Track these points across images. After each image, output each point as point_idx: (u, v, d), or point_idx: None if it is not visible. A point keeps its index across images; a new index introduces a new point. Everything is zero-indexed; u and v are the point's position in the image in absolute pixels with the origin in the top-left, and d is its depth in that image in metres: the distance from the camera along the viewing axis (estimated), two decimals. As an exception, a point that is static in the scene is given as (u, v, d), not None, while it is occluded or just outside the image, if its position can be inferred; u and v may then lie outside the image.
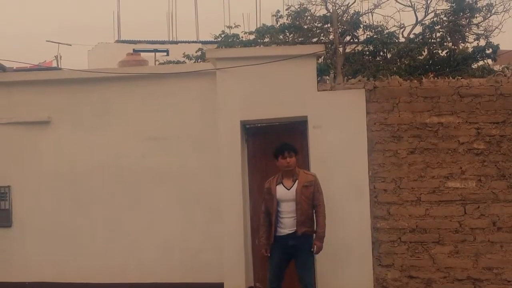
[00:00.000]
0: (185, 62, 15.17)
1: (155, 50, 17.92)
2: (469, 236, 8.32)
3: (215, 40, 16.88)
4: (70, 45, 16.06)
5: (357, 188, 8.53)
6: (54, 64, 14.70)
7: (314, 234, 7.64)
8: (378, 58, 14.33)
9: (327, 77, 9.02)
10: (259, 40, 15.34)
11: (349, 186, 8.54)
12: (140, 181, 9.57)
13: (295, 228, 7.53)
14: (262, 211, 7.80)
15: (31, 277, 9.81)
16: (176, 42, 22.97)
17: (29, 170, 9.95)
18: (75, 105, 9.89)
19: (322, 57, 12.55)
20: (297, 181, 7.65)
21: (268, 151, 8.88)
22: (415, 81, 8.69)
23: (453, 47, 13.91)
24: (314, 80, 8.81)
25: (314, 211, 7.65)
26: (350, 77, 9.89)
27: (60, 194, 9.83)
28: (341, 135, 8.62)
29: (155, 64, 15.02)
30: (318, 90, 8.76)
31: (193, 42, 21.56)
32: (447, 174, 8.40)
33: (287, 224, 7.58)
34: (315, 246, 7.58)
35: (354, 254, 8.49)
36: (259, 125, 9.20)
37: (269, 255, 7.65)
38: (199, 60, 14.90)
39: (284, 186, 7.66)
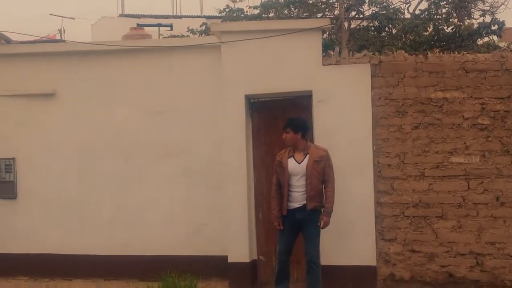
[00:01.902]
0: (189, 37, 15.12)
1: (159, 25, 17.91)
2: (472, 211, 8.34)
3: (220, 14, 16.84)
4: (74, 18, 16.03)
5: (361, 163, 8.54)
6: (58, 38, 14.65)
7: (322, 209, 7.73)
8: (383, 34, 14.34)
9: (332, 52, 8.97)
10: (264, 15, 15.31)
11: (353, 161, 8.54)
12: (145, 155, 9.58)
13: (304, 202, 7.63)
14: (274, 183, 7.89)
15: (36, 248, 9.85)
16: (180, 17, 22.89)
17: (34, 142, 9.97)
18: (80, 78, 9.87)
19: (327, 33, 12.56)
20: (308, 155, 7.72)
21: (272, 126, 8.94)
22: (421, 56, 8.66)
23: (458, 23, 13.88)
24: (319, 54, 8.79)
25: (324, 186, 7.73)
26: (355, 52, 9.84)
27: (64, 167, 9.85)
28: (345, 110, 8.61)
29: (159, 38, 14.98)
30: (323, 65, 8.74)
31: (197, 16, 21.48)
32: (451, 149, 8.41)
33: (296, 198, 7.69)
34: (322, 221, 7.67)
35: (357, 228, 8.52)
36: (263, 99, 9.18)
37: (281, 227, 7.75)
38: (203, 35, 14.88)
39: (295, 160, 7.74)
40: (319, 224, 7.66)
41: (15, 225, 9.98)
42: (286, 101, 9.10)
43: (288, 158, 7.77)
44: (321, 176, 7.68)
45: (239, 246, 8.80)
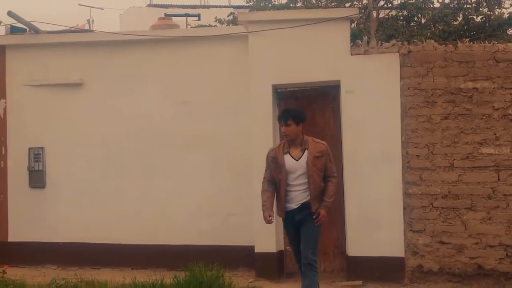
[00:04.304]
0: (217, 27, 15.10)
1: (187, 15, 17.81)
2: (502, 203, 8.23)
3: (247, 4, 16.79)
4: (102, 9, 16.10)
5: (390, 153, 8.46)
6: (87, 28, 14.71)
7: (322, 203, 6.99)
8: (412, 24, 14.18)
9: (361, 41, 8.89)
10: (291, 5, 15.23)
11: (382, 152, 8.47)
12: (171, 145, 9.62)
13: (302, 202, 6.90)
14: (266, 179, 7.10)
15: (64, 237, 9.97)
16: (208, 7, 22.86)
17: (62, 132, 10.07)
18: (108, 67, 9.93)
19: (355, 22, 12.45)
20: (306, 151, 6.93)
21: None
22: (450, 45, 8.56)
23: (488, 12, 13.69)
24: (348, 44, 8.72)
25: (325, 182, 6.99)
26: (383, 42, 9.76)
27: (92, 156, 9.94)
28: (374, 100, 8.53)
29: (186, 28, 14.96)
30: (351, 54, 8.68)
31: (224, 6, 21.45)
32: (481, 140, 8.30)
33: (294, 198, 6.94)
34: (319, 214, 6.86)
35: (385, 219, 8.45)
36: (290, 89, 9.13)
37: (273, 220, 7.01)
38: (231, 25, 14.84)
39: (292, 157, 6.94)
40: (314, 217, 6.85)
41: (44, 214, 10.09)
42: (314, 91, 9.06)
43: (284, 154, 6.97)
44: (322, 172, 6.92)
45: (266, 236, 8.77)
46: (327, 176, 6.97)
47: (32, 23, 10.39)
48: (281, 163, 6.92)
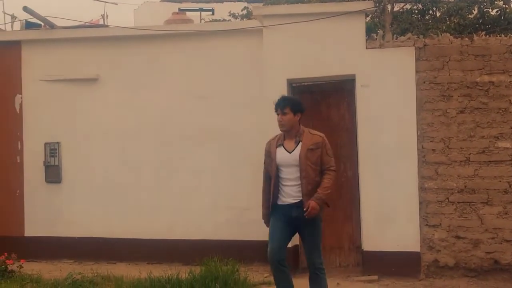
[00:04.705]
0: (231, 21, 15.08)
1: (201, 9, 17.83)
2: (519, 197, 8.21)
3: (261, -2, 16.73)
4: (116, 4, 16.03)
5: (405, 148, 8.44)
6: (101, 23, 14.71)
7: (326, 206, 6.64)
8: (427, 17, 14.07)
9: (375, 35, 8.86)
10: (305, -2, 15.15)
11: (397, 146, 8.45)
12: (187, 139, 9.61)
13: (300, 198, 6.46)
14: (264, 176, 6.85)
15: (80, 232, 10.01)
16: (222, 1, 22.76)
17: (78, 127, 10.09)
18: (123, 62, 9.95)
19: (370, 16, 12.38)
20: (300, 143, 6.54)
21: (314, 110, 8.88)
22: (466, 39, 8.51)
23: (504, 6, 13.55)
24: (363, 37, 8.69)
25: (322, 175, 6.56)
26: (398, 36, 9.70)
27: (108, 151, 9.97)
28: (389, 94, 8.51)
29: (200, 23, 14.96)
30: (366, 48, 8.65)
31: (238, 1, 21.33)
32: (497, 134, 8.27)
33: (290, 193, 6.52)
34: (309, 205, 6.35)
35: (401, 214, 8.44)
36: (305, 83, 9.12)
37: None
38: (245, 19, 14.81)
39: (285, 149, 6.58)
40: (304, 209, 6.39)
41: (60, 208, 10.13)
42: (329, 85, 9.04)
43: (276, 147, 6.62)
44: (318, 166, 6.48)
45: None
46: (324, 170, 6.53)
47: (46, 18, 10.41)
48: (272, 156, 6.61)
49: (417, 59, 8.48)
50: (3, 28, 12.06)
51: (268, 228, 6.73)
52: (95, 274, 8.43)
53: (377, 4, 13.33)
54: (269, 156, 6.69)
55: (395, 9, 13.97)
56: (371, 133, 8.49)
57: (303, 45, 8.80)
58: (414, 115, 8.43)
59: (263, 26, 9.02)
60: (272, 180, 6.60)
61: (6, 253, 8.62)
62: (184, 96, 9.66)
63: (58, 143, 10.12)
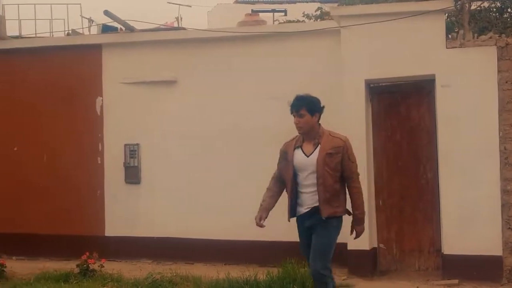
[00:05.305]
0: (305, 22, 15.05)
1: (273, 10, 17.90)
2: None
3: (335, -2, 16.67)
4: (190, 6, 16.20)
5: (487, 149, 8.25)
6: (176, 25, 14.90)
7: (347, 215, 6.19)
8: (505, 15, 13.75)
9: (455, 34, 8.70)
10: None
11: (479, 147, 8.27)
12: (263, 141, 9.58)
13: (313, 205, 6.03)
14: (273, 175, 6.47)
15: (158, 232, 10.15)
16: (294, 2, 22.76)
17: (156, 129, 10.24)
18: (199, 65, 10.04)
19: (447, 15, 12.17)
20: (319, 146, 6.07)
21: (393, 111, 8.79)
22: (551, 37, 8.28)
23: None
24: (443, 37, 8.53)
25: (346, 185, 6.11)
26: (477, 35, 9.50)
27: (185, 152, 10.06)
28: (470, 94, 8.33)
29: (273, 24, 14.99)
30: (446, 48, 8.48)
31: (311, 1, 21.31)
32: None
33: (305, 201, 6.09)
34: (355, 232, 6.19)
35: (482, 217, 8.25)
36: (384, 84, 9.02)
37: (264, 225, 6.32)
38: (319, 20, 14.77)
39: (303, 152, 6.11)
40: (354, 238, 6.24)
41: (139, 209, 10.31)
42: (408, 86, 8.92)
43: (294, 149, 6.16)
44: (337, 173, 5.98)
45: (359, 233, 8.67)
46: (347, 178, 6.07)
47: (126, 21, 10.60)
48: (289, 159, 6.13)
49: (499, 59, 8.27)
50: (81, 32, 12.33)
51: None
52: (174, 274, 8.51)
53: (455, 3, 13.11)
54: (286, 158, 6.21)
55: (472, 7, 13.69)
56: (451, 134, 8.34)
57: (381, 45, 8.71)
58: (496, 115, 8.24)
59: (341, 27, 8.96)
60: (288, 185, 6.18)
61: (87, 253, 8.80)
62: (260, 98, 9.69)
63: (137, 144, 10.31)
